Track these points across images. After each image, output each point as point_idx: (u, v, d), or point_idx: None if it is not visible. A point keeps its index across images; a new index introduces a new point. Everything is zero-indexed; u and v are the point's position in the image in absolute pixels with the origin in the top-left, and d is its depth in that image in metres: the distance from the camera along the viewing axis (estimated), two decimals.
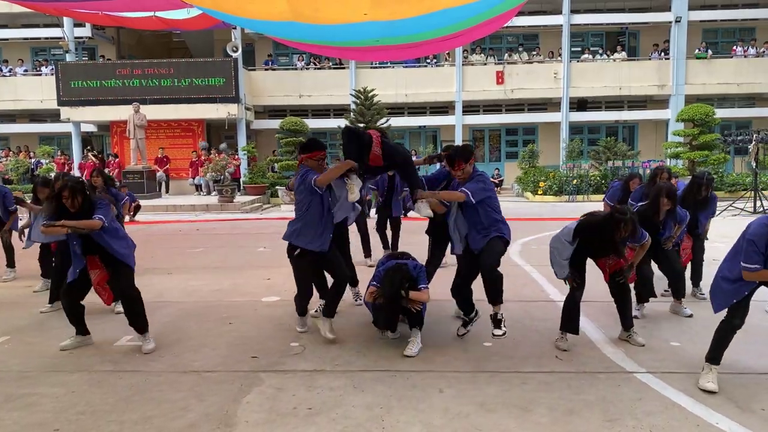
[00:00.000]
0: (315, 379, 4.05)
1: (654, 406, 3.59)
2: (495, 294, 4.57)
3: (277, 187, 19.08)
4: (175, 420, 3.48)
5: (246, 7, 7.97)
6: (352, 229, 7.15)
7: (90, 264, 4.76)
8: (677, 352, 4.52)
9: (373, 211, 10.04)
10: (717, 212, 7.64)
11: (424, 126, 25.47)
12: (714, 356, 3.83)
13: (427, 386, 3.90)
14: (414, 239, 7.60)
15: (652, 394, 3.76)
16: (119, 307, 5.73)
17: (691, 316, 5.40)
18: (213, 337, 5.01)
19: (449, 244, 5.03)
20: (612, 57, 24.32)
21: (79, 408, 3.65)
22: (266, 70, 24.83)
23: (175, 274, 7.84)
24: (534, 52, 24.85)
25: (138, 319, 4.70)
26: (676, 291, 5.57)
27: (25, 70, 24.85)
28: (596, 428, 3.33)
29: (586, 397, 3.73)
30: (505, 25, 19.10)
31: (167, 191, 21.62)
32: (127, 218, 14.66)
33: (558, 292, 6.32)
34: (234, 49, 20.59)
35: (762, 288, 3.76)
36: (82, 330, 4.84)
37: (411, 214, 7.93)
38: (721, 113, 21.58)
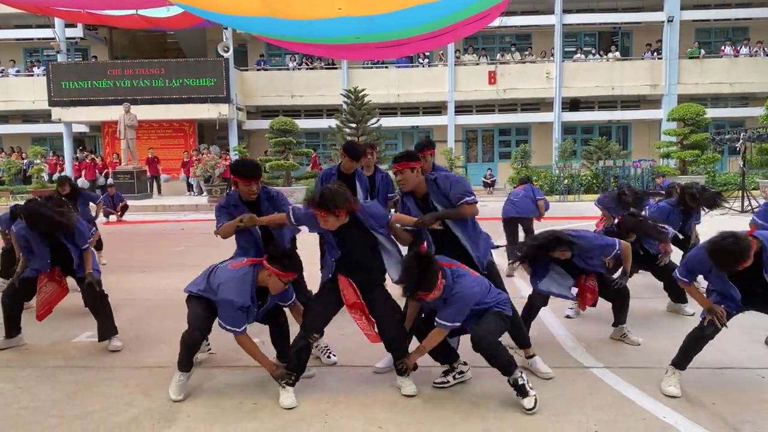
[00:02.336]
0: (267, 374, 3.98)
1: (604, 400, 3.54)
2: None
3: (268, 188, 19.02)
4: (116, 414, 3.44)
5: (221, 3, 7.96)
6: None
7: (49, 276, 4.67)
8: (638, 348, 4.47)
9: None
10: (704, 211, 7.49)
11: (417, 126, 25.45)
12: (680, 361, 3.71)
13: (378, 381, 3.86)
14: None
15: (604, 389, 3.71)
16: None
17: (693, 314, 5.31)
18: (172, 333, 4.93)
19: None
20: (605, 57, 24.30)
21: (23, 403, 3.61)
22: (258, 70, 24.83)
23: (149, 272, 7.79)
24: (526, 52, 24.83)
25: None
26: (675, 294, 5.40)
27: (17, 71, 24.84)
28: (542, 423, 3.28)
29: (537, 392, 3.66)
30: (497, 24, 19.14)
31: (159, 192, 21.59)
32: (114, 218, 14.70)
33: (530, 289, 6.27)
34: (225, 49, 20.55)
35: None
36: (13, 332, 4.70)
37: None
38: (714, 113, 21.55)
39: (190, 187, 21.76)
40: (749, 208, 13.53)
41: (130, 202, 15.80)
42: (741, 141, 13.03)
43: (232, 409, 3.48)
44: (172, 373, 4.01)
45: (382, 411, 3.44)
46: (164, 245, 10.43)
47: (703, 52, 23.95)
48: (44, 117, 23.53)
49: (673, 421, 3.26)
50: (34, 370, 4.17)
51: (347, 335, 4.75)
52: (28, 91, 23.67)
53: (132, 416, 3.41)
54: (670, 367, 3.72)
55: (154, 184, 21.62)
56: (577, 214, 14.20)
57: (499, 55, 24.63)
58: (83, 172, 21.78)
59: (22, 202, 5.86)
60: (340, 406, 3.51)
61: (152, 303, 6.06)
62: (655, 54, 23.93)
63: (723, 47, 24.14)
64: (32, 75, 24.25)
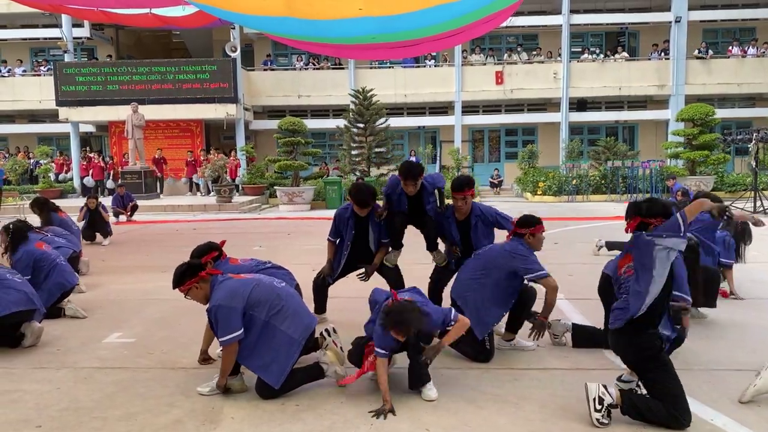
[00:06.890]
0: None
1: None
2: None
3: (275, 187, 19.01)
4: (160, 416, 3.42)
5: (241, 3, 7.94)
6: None
7: None
8: (679, 350, 4.43)
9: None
10: None
11: (423, 126, 25.44)
12: None
13: None
14: None
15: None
16: None
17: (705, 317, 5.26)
18: (204, 333, 4.93)
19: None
20: (612, 57, 24.28)
21: (63, 404, 3.60)
22: (265, 70, 24.81)
23: (169, 272, 7.73)
24: (533, 53, 24.81)
25: None
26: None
27: (24, 71, 24.82)
28: (588, 424, 3.26)
29: (579, 394, 3.63)
30: (505, 25, 19.09)
31: (161, 192, 21.53)
32: (124, 218, 14.70)
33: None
34: (232, 49, 20.52)
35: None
36: None
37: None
38: (721, 113, 21.51)
39: (192, 187, 21.72)
40: (762, 208, 13.52)
41: (138, 202, 15.78)
42: (754, 141, 12.99)
43: (275, 411, 3.47)
44: (209, 374, 4.01)
45: (426, 413, 3.43)
46: (178, 244, 10.39)
47: (711, 53, 23.92)
48: (51, 117, 23.49)
49: (721, 423, 3.24)
50: (69, 371, 4.16)
51: None
52: (35, 90, 23.63)
53: (176, 418, 3.40)
54: None
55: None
56: (585, 215, 14.21)
57: (506, 55, 24.61)
58: (90, 172, 21.83)
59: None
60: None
61: (178, 303, 5.99)
62: (662, 54, 23.91)
63: (730, 47, 24.12)
64: (39, 74, 24.23)
